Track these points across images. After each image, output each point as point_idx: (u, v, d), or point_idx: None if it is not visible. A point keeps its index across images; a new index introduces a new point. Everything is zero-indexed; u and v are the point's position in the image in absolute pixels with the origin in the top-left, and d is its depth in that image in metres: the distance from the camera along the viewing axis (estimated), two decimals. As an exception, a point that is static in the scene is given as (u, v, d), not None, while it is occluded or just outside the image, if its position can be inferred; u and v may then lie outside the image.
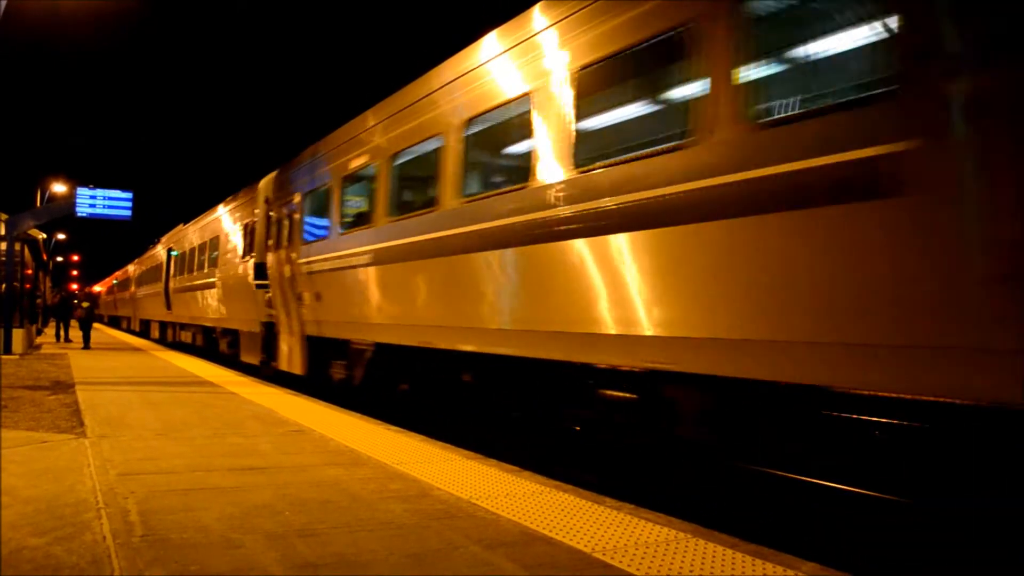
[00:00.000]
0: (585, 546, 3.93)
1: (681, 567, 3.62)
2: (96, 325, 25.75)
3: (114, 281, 56.50)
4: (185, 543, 3.83)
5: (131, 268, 43.13)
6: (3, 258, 18.78)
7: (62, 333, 28.00)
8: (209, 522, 4.22)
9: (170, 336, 28.18)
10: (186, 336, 24.74)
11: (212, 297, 19.67)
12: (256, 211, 15.45)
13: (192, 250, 22.93)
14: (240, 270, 16.59)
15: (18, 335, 19.22)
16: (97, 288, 66.45)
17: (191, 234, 23.66)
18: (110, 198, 21.10)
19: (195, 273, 22.07)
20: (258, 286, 14.55)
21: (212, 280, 19.64)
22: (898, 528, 4.59)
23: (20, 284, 21.02)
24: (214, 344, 20.02)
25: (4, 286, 18.60)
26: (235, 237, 17.54)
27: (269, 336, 14.41)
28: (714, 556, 3.80)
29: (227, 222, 18.62)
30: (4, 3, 13.10)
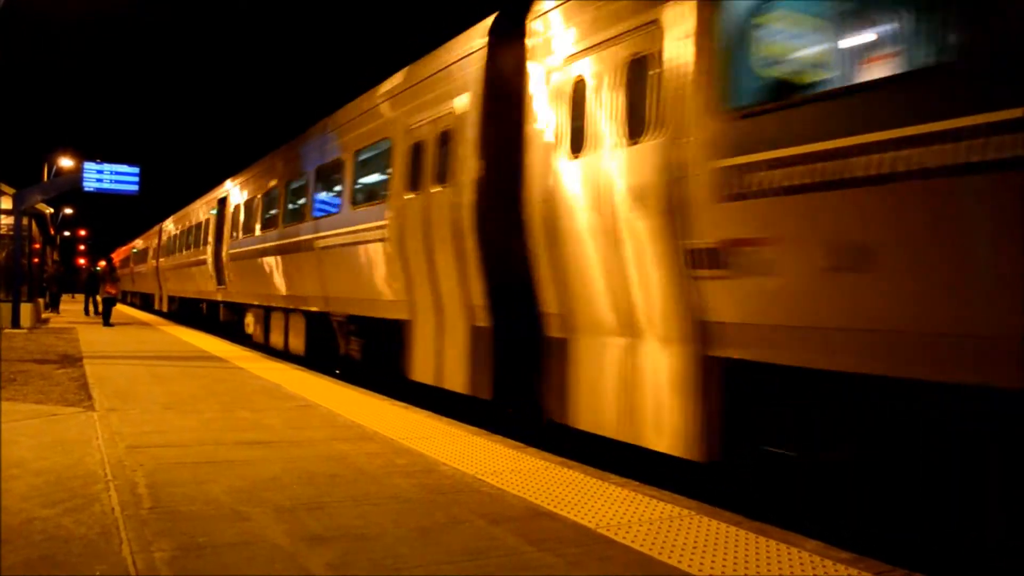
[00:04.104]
0: (589, 522, 3.96)
1: (684, 543, 3.65)
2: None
3: (171, 228, 28.60)
4: (193, 515, 3.87)
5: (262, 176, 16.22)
6: (11, 232, 18.84)
7: (91, 307, 28.32)
8: (217, 495, 4.27)
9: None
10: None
11: None
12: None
13: None
14: None
15: (26, 309, 19.33)
16: (103, 263, 63.96)
17: None
18: (117, 172, 21.03)
19: None
20: None
21: None
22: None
23: (28, 258, 21.08)
24: None
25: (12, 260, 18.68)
26: None
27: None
28: (717, 533, 3.82)
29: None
30: None
